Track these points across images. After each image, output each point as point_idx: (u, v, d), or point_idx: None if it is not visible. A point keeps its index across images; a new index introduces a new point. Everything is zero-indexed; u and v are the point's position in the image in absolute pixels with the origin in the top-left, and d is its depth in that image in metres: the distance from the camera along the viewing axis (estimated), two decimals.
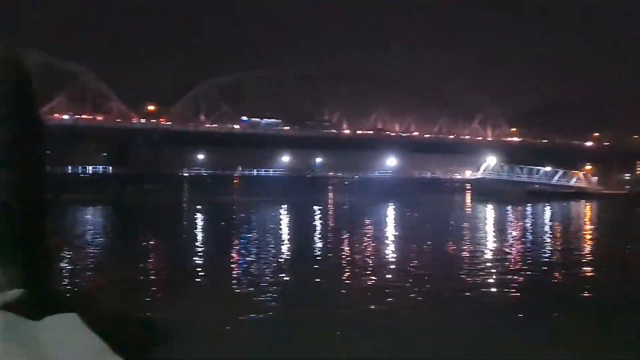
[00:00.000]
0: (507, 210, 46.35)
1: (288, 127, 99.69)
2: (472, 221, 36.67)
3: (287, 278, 15.64)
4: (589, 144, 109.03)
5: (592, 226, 35.77)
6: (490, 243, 24.84)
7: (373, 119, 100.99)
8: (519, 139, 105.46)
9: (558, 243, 25.51)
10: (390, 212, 44.31)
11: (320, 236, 27.00)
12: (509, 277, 16.36)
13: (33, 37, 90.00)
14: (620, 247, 23.81)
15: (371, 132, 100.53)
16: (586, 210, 50.27)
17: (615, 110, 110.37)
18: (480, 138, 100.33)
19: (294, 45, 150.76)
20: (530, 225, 35.14)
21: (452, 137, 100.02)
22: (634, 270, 18.22)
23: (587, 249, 24.00)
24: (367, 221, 33.80)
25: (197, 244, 23.63)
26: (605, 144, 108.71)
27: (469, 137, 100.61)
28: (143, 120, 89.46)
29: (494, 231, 30.79)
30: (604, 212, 48.71)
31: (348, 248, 22.64)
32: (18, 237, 0.64)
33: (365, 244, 23.61)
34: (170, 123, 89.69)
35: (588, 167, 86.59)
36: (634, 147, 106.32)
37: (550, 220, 39.25)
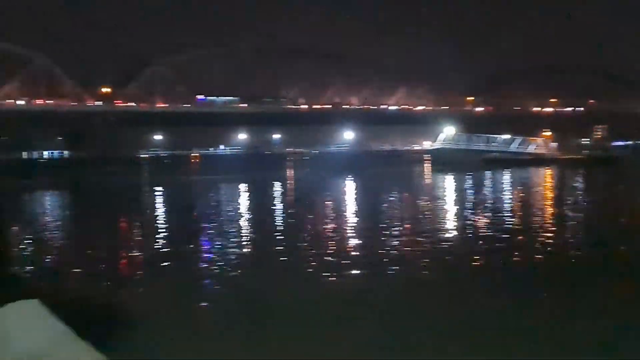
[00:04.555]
0: (465, 178, 47.24)
1: (245, 105, 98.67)
2: (431, 190, 37.24)
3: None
4: (547, 110, 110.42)
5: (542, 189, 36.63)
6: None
7: (329, 93, 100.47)
8: (478, 109, 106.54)
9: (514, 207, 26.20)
10: (351, 185, 44.78)
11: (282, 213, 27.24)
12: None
13: None
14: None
15: (328, 106, 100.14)
16: (541, 175, 51.36)
17: (570, 76, 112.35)
18: (438, 108, 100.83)
19: (248, 18, 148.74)
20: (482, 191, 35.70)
21: (409, 108, 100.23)
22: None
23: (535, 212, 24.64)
24: (329, 196, 34.14)
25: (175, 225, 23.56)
26: (564, 109, 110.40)
27: (425, 107, 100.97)
28: (99, 103, 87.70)
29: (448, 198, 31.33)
30: (562, 176, 49.90)
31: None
32: None
33: (331, 218, 23.90)
34: (126, 104, 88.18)
35: (546, 133, 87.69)
36: (591, 111, 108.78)
37: (504, 186, 40.01)
